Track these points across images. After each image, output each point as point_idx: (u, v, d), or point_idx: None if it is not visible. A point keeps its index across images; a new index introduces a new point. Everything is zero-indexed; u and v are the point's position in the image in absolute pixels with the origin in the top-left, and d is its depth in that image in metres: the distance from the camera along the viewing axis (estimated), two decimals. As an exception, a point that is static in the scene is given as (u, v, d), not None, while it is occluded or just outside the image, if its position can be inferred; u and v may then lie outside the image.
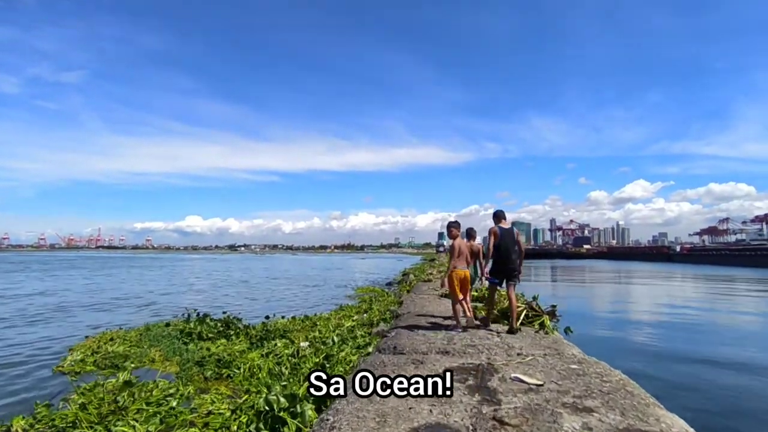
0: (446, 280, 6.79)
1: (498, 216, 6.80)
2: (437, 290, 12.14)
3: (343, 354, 6.90)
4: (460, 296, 6.53)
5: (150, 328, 9.90)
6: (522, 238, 6.92)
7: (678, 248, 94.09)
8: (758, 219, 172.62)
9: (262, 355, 7.59)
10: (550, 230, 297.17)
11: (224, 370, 6.58)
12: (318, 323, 10.49)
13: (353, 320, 10.61)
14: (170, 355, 7.82)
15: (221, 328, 9.69)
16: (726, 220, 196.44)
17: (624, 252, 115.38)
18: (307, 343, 8.07)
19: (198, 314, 10.56)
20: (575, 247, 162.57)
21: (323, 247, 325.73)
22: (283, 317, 11.86)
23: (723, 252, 73.39)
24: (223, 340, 9.14)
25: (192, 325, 9.77)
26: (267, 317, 11.13)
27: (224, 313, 10.85)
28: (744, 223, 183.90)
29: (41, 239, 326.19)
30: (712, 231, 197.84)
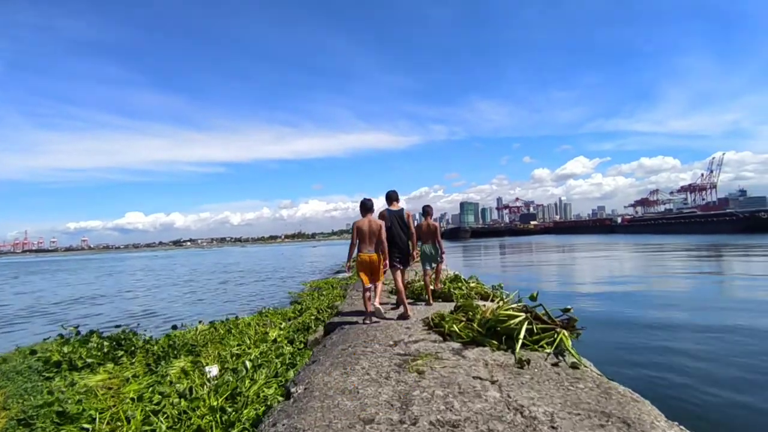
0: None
1: (389, 197, 6.78)
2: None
3: (255, 388, 4.97)
4: (368, 284, 6.01)
5: (6, 359, 7.47)
6: (412, 221, 6.83)
7: (619, 220, 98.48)
8: (683, 189, 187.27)
9: (149, 386, 5.57)
10: (497, 209, 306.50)
11: (66, 428, 4.44)
12: (235, 332, 8.50)
13: (281, 329, 8.68)
14: (12, 401, 5.55)
15: (108, 349, 7.45)
16: (656, 191, 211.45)
17: (569, 226, 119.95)
18: (217, 368, 6.07)
19: (78, 332, 8.20)
20: (523, 223, 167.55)
21: (273, 238, 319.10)
22: (200, 323, 9.74)
23: (659, 221, 77.29)
24: (110, 365, 6.93)
25: (67, 348, 7.45)
26: (174, 327, 8.95)
27: (118, 326, 8.54)
28: (671, 193, 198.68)
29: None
30: (644, 202, 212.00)
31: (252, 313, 12.29)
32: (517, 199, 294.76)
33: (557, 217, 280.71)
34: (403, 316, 6.16)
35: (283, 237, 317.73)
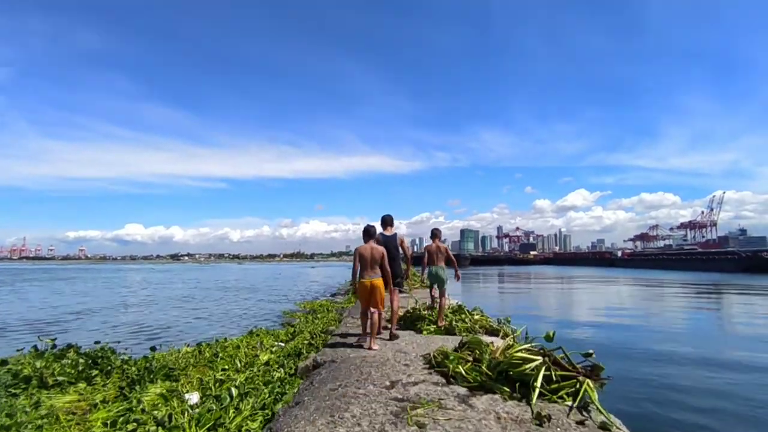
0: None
1: (384, 222, 6.98)
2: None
3: (239, 419, 4.53)
4: (372, 309, 5.84)
5: (-28, 373, 6.96)
6: (406, 244, 7.27)
7: (619, 254, 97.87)
8: (683, 226, 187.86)
9: (118, 414, 5.11)
10: (498, 237, 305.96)
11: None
12: (222, 355, 8.02)
13: (272, 352, 8.21)
14: (-32, 420, 5.07)
15: (83, 367, 6.96)
16: (655, 226, 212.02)
17: (569, 258, 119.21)
18: (197, 396, 5.59)
19: (55, 345, 7.69)
20: (522, 253, 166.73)
21: (271, 256, 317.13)
22: (186, 345, 9.26)
23: (660, 257, 76.73)
24: (82, 385, 6.46)
25: (40, 363, 6.95)
26: (153, 348, 8.45)
27: (97, 342, 8.05)
28: (671, 229, 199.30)
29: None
30: (643, 237, 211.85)
31: (244, 331, 11.81)
32: (517, 228, 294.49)
33: (557, 248, 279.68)
34: (392, 336, 6.34)
35: (281, 256, 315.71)
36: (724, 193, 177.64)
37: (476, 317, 6.52)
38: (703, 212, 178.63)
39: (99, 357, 7.39)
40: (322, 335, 9.79)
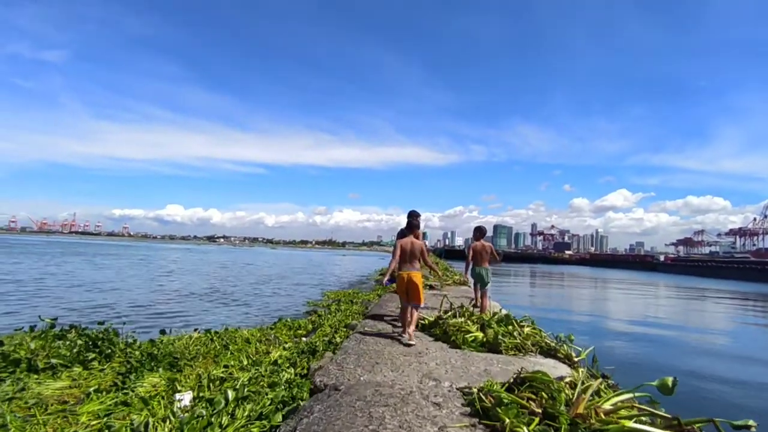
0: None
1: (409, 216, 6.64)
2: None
3: (230, 431, 3.77)
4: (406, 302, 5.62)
5: (-35, 348, 6.53)
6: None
7: (662, 258, 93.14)
8: (732, 232, 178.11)
9: (108, 410, 4.49)
10: (531, 234, 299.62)
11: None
12: (232, 348, 7.35)
13: (285, 348, 7.48)
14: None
15: (81, 349, 6.41)
16: (701, 232, 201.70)
17: (606, 259, 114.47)
18: (190, 396, 4.89)
19: (54, 325, 7.19)
20: (557, 252, 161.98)
21: (304, 242, 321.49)
22: (196, 330, 8.69)
23: (708, 264, 72.22)
24: (78, 369, 5.90)
25: (36, 344, 6.45)
26: (162, 332, 7.87)
27: (100, 323, 7.52)
28: (719, 235, 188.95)
29: (12, 222, 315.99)
30: (687, 242, 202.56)
31: (266, 321, 11.29)
32: (552, 226, 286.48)
33: (592, 249, 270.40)
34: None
35: (313, 243, 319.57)
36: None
37: (527, 330, 5.08)
38: (755, 219, 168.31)
39: (100, 339, 6.84)
40: (344, 330, 9.05)
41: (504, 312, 6.42)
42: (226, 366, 5.97)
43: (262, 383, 5.40)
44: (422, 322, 5.99)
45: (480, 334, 4.93)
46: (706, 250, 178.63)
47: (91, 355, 6.24)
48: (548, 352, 4.65)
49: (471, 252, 7.47)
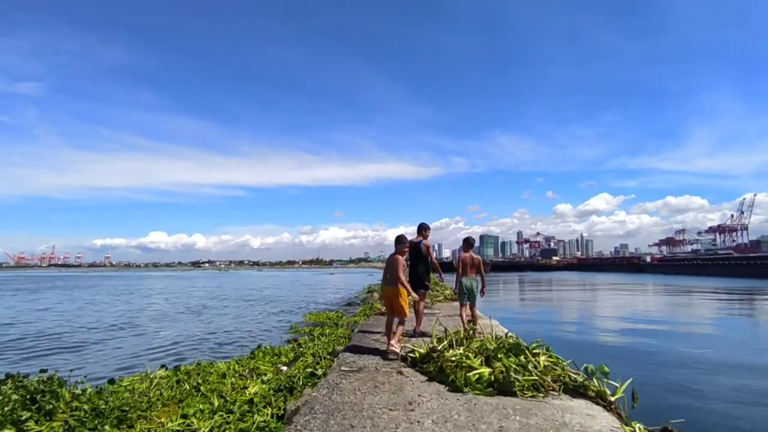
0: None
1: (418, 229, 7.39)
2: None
3: None
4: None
5: None
6: (431, 251, 7.41)
7: (648, 259, 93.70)
8: (711, 230, 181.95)
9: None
10: (518, 243, 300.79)
11: None
12: (204, 388, 6.44)
13: (263, 382, 6.61)
14: None
15: (16, 405, 5.44)
16: (682, 231, 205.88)
17: (594, 263, 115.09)
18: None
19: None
20: (545, 258, 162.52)
21: (291, 263, 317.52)
22: (163, 367, 7.75)
23: (693, 262, 72.79)
24: (10, 431, 4.98)
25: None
26: (111, 381, 6.88)
27: (43, 371, 6.52)
28: (699, 233, 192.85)
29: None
30: (669, 242, 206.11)
31: (248, 349, 10.37)
32: (538, 233, 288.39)
33: (578, 253, 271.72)
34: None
35: (300, 262, 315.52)
36: (755, 195, 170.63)
37: (543, 361, 3.95)
38: (733, 216, 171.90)
39: (40, 392, 5.86)
40: (327, 358, 8.18)
41: (509, 335, 5.25)
42: (185, 416, 5.05)
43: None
44: (412, 355, 5.03)
45: (486, 371, 3.85)
46: (688, 248, 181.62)
47: (25, 415, 5.27)
48: (576, 390, 3.62)
49: (461, 264, 7.34)
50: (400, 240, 6.27)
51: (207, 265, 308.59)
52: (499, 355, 4.04)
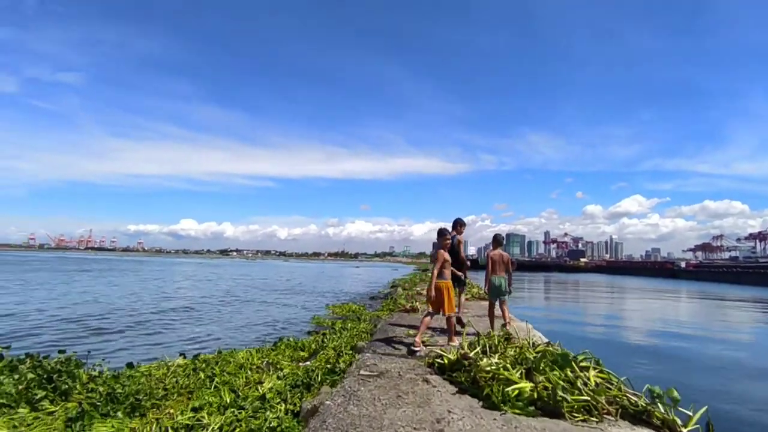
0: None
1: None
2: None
3: None
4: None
5: None
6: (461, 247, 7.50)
7: (683, 264, 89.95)
8: (752, 236, 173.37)
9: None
10: (545, 242, 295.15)
11: None
12: (218, 379, 6.24)
13: (279, 378, 6.35)
14: None
15: (31, 385, 5.36)
16: (720, 236, 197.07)
17: (624, 266, 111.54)
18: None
19: (1, 356, 6.12)
20: (572, 260, 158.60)
21: (317, 254, 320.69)
22: (182, 355, 7.63)
23: (733, 269, 69.36)
24: (24, 411, 4.89)
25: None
26: (130, 365, 6.76)
27: (61, 352, 6.46)
28: (738, 240, 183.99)
29: (31, 239, 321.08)
30: (705, 247, 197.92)
31: (271, 338, 10.26)
32: (565, 234, 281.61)
33: (607, 256, 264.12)
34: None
35: (326, 255, 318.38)
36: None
37: (593, 376, 3.33)
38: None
39: (58, 372, 5.78)
40: (348, 353, 7.90)
41: (548, 343, 4.63)
42: (197, 408, 4.83)
43: (237, 431, 4.30)
44: (440, 361, 4.49)
45: (527, 385, 3.24)
46: (726, 255, 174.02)
47: (40, 394, 5.18)
48: (636, 416, 2.99)
49: (490, 261, 7.17)
50: (441, 233, 6.21)
51: (235, 253, 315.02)
52: (543, 367, 3.42)
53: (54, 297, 19.44)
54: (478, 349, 4.28)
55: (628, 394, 3.12)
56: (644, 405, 2.94)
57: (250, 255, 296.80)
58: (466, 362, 3.99)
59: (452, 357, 4.31)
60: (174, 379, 6.35)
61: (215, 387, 6.06)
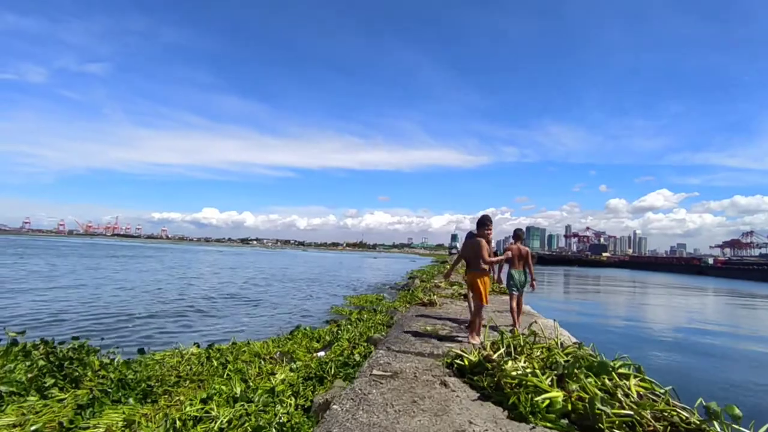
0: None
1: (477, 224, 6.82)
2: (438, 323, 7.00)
3: None
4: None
5: None
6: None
7: (711, 261, 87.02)
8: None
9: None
10: (566, 236, 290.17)
11: None
12: (231, 367, 6.13)
13: (292, 370, 6.19)
14: None
15: (44, 371, 5.32)
16: (750, 233, 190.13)
17: (648, 262, 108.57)
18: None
19: (15, 341, 6.08)
20: (594, 254, 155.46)
21: (335, 245, 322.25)
22: (196, 345, 7.54)
23: (766, 267, 66.68)
24: (33, 399, 4.84)
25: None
26: (141, 351, 6.68)
27: (75, 339, 6.41)
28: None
29: (60, 225, 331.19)
30: (734, 244, 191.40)
31: (289, 326, 10.17)
32: (587, 228, 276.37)
33: (630, 251, 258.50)
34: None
35: (344, 245, 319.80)
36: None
37: (634, 385, 2.87)
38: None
39: (69, 359, 5.72)
40: (363, 345, 7.71)
41: (580, 345, 4.01)
42: (206, 399, 4.67)
43: (247, 425, 4.13)
44: (459, 362, 4.01)
45: (558, 395, 2.81)
46: (756, 252, 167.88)
47: (49, 381, 5.11)
48: None
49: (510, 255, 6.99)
50: (483, 222, 5.96)
51: (255, 242, 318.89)
52: (576, 373, 2.97)
53: (82, 283, 19.83)
54: (502, 350, 3.78)
55: (677, 409, 2.61)
56: (698, 422, 2.44)
57: (270, 244, 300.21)
58: (489, 365, 3.51)
59: (473, 358, 3.82)
60: (188, 367, 6.26)
61: (227, 375, 5.93)
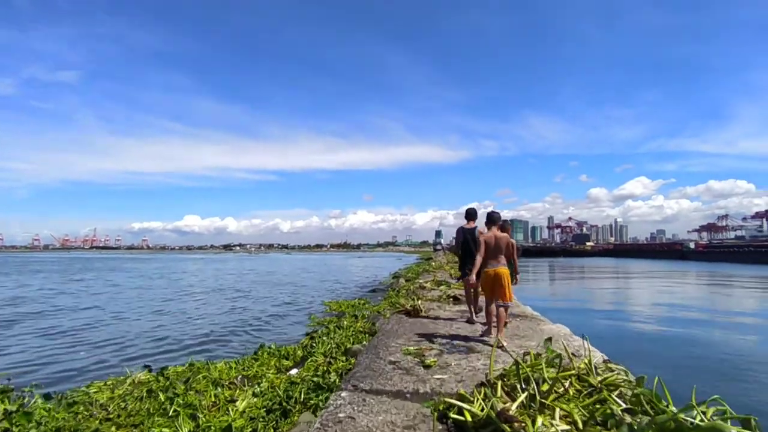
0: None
1: (467, 215, 7.19)
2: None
3: None
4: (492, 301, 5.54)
5: None
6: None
7: (692, 245, 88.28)
8: (758, 215, 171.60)
9: None
10: (549, 228, 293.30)
11: None
12: (181, 399, 5.04)
13: (255, 394, 5.17)
14: None
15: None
16: (725, 216, 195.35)
17: (631, 249, 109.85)
18: None
19: None
20: (578, 244, 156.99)
21: (319, 246, 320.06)
22: (147, 368, 6.43)
23: (746, 249, 67.76)
24: None
25: None
26: (47, 396, 5.46)
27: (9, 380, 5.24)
28: (744, 219, 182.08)
29: (35, 240, 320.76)
30: (710, 227, 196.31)
31: (256, 345, 9.09)
32: (569, 218, 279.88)
33: (612, 239, 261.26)
34: (469, 321, 6.91)
35: (329, 246, 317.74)
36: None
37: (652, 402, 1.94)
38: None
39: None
40: (341, 359, 6.70)
41: (616, 370, 2.84)
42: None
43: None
44: (458, 417, 2.46)
45: None
46: (731, 235, 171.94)
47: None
48: None
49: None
50: (492, 218, 5.73)
51: (238, 248, 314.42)
52: (582, 394, 1.91)
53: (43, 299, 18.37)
54: (521, 397, 2.28)
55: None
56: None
57: (252, 249, 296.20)
58: (507, 427, 2.02)
59: (477, 411, 2.33)
60: (121, 404, 5.14)
61: (174, 411, 4.85)
